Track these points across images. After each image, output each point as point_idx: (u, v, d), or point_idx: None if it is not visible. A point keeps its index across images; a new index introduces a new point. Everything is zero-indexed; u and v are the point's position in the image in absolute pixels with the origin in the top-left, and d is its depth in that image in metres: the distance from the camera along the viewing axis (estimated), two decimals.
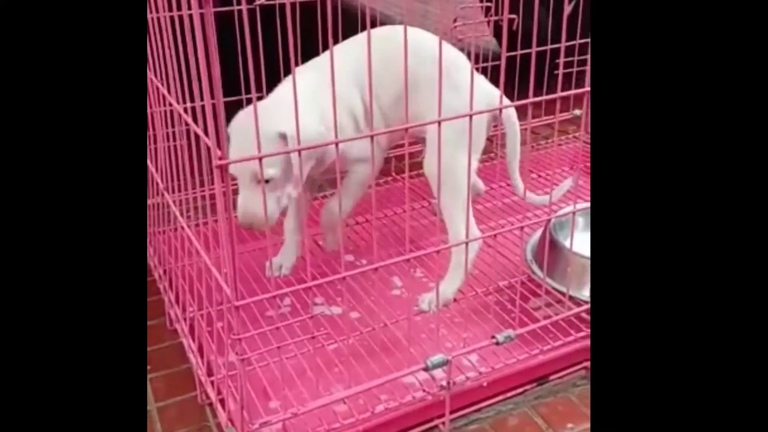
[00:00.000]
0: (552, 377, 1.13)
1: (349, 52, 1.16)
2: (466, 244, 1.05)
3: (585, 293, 1.15)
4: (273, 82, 1.21)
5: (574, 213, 1.03)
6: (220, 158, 0.76)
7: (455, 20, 1.57)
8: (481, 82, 1.24)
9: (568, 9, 1.88)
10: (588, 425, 1.05)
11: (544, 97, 1.05)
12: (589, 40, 1.76)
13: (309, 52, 1.28)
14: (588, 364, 1.14)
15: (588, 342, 1.12)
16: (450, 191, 1.16)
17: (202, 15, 0.70)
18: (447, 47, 1.24)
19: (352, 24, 1.44)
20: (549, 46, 1.66)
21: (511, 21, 1.66)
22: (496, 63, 1.63)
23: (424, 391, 1.03)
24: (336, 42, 1.14)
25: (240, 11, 0.78)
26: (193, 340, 1.14)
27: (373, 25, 0.88)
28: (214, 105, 0.74)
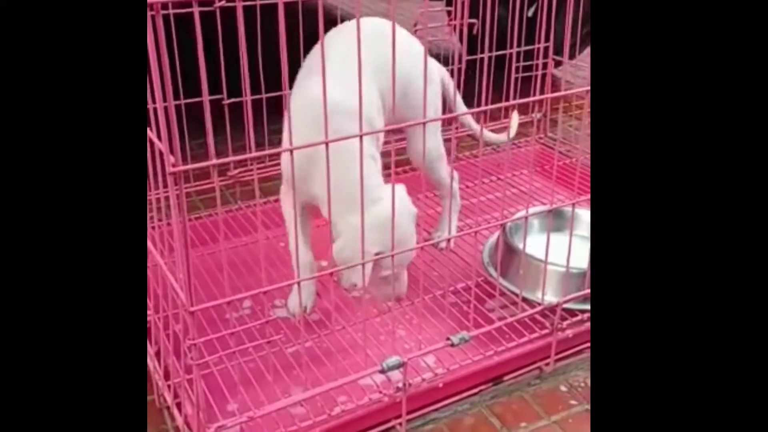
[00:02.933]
0: (507, 377, 1.15)
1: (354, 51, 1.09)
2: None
3: (538, 295, 1.18)
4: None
5: (526, 218, 1.05)
6: (174, 165, 0.76)
7: (415, 24, 1.58)
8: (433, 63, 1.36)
9: (528, 13, 1.91)
10: (540, 424, 1.08)
11: (501, 104, 1.06)
12: (548, 44, 1.80)
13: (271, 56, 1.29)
14: (541, 364, 1.17)
15: (541, 343, 1.15)
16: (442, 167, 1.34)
17: (152, 18, 0.70)
18: (415, 41, 1.30)
19: (328, 24, 1.46)
20: (510, 50, 1.69)
21: (471, 25, 1.68)
22: (459, 66, 1.66)
23: (380, 392, 1.04)
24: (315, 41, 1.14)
25: (214, 12, 0.78)
26: (151, 343, 1.13)
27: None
28: (166, 108, 0.73)
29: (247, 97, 0.83)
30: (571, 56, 2.38)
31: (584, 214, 1.35)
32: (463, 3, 1.65)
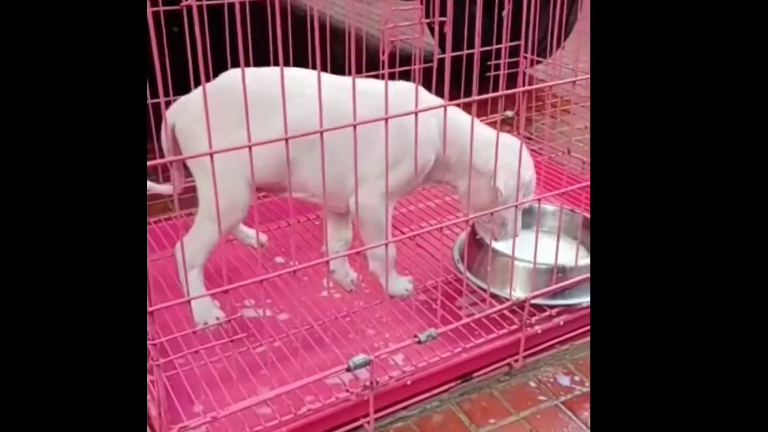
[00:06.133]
0: (476, 374, 1.15)
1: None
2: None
3: (507, 291, 1.18)
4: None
5: (492, 213, 1.05)
6: None
7: (386, 22, 1.58)
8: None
9: (505, 11, 1.92)
10: (509, 420, 1.07)
11: (463, 100, 1.06)
12: (519, 42, 1.80)
13: (260, 53, 1.29)
14: (510, 360, 1.16)
15: (509, 339, 1.15)
16: None
17: None
18: None
19: (299, 24, 1.46)
20: (479, 49, 1.69)
21: (442, 23, 1.68)
22: (429, 65, 1.66)
23: (347, 391, 1.04)
24: (285, 43, 1.13)
25: (187, 9, 0.77)
26: None
27: (321, 27, 0.88)
28: None
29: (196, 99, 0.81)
30: (546, 55, 2.39)
31: (552, 210, 1.36)
32: (434, 1, 1.65)
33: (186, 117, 1.11)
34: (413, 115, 0.94)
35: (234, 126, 0.97)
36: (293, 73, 1.13)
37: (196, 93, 1.15)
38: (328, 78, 1.12)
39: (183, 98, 1.15)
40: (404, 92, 1.07)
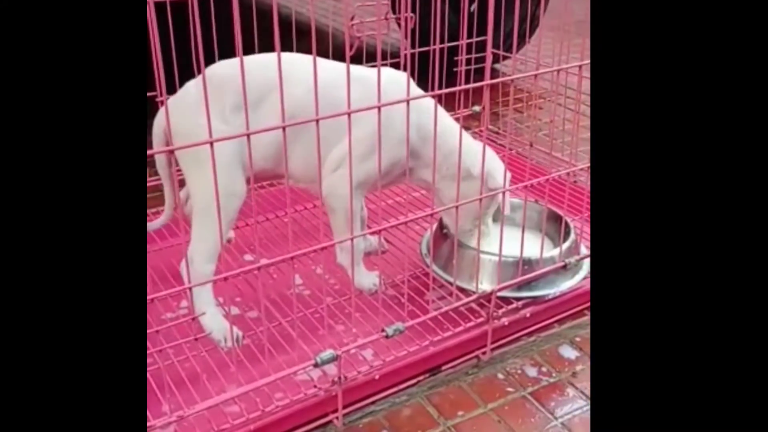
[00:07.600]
0: (444, 367, 1.16)
1: None
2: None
3: (474, 284, 1.18)
4: (186, 79, 1.19)
5: (456, 207, 1.06)
6: None
7: (352, 18, 1.58)
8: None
9: (472, 7, 1.93)
10: (477, 412, 1.08)
11: (428, 94, 1.07)
12: (485, 38, 1.81)
13: (226, 50, 1.28)
14: (478, 353, 1.17)
15: (477, 331, 1.16)
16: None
17: None
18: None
19: (265, 20, 1.45)
20: (446, 44, 1.70)
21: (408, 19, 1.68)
22: (397, 60, 1.66)
23: (315, 387, 1.04)
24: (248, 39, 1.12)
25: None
26: None
27: (287, 23, 0.89)
28: None
29: (163, 97, 0.80)
30: (511, 50, 2.41)
31: (517, 203, 1.37)
32: None
33: (181, 115, 1.07)
34: (396, 107, 0.97)
35: (228, 115, 1.08)
36: (284, 57, 1.13)
37: (186, 90, 1.14)
38: (319, 62, 1.12)
39: (173, 98, 1.13)
40: (392, 81, 1.09)
